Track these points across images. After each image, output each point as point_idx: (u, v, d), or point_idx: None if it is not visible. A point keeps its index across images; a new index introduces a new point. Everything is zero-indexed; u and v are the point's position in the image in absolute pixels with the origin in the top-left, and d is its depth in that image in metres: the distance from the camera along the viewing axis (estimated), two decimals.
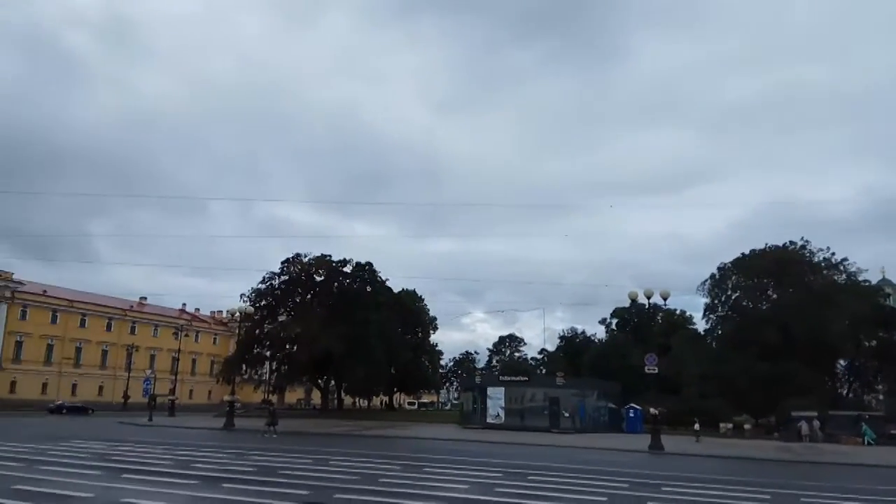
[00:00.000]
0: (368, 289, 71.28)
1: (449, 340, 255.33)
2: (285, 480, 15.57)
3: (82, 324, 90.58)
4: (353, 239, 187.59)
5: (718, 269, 64.34)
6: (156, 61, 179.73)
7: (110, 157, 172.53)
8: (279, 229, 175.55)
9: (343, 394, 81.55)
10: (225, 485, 14.61)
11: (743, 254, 63.07)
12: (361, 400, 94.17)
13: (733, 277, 63.18)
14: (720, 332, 64.14)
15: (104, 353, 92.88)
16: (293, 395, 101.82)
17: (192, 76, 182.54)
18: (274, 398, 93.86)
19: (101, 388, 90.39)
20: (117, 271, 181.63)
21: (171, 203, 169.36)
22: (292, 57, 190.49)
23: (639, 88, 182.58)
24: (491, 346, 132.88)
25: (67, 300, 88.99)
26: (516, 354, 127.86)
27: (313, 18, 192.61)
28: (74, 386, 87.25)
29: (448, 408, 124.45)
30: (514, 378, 56.17)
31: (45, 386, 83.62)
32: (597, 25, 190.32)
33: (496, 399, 51.46)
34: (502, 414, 50.67)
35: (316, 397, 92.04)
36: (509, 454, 27.05)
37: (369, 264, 72.35)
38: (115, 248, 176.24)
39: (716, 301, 64.28)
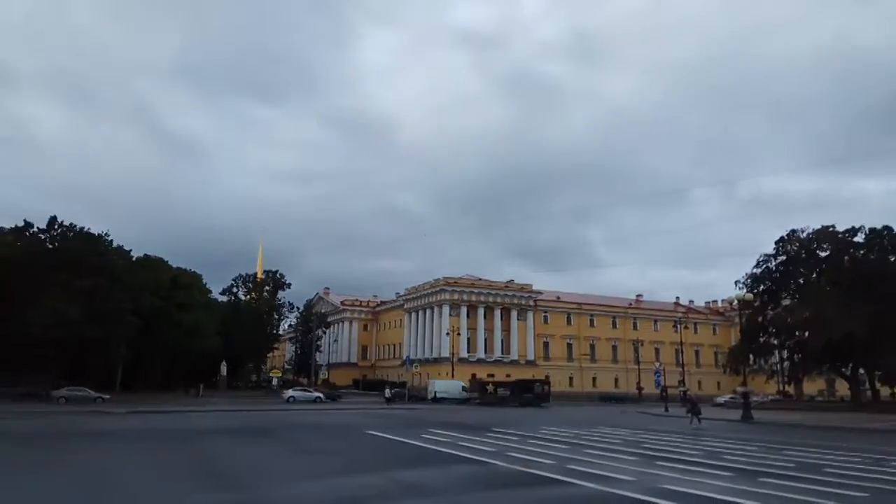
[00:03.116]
0: (893, 258, 59.02)
1: None
2: (832, 479, 13.84)
3: (591, 323, 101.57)
4: (862, 201, 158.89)
5: None
6: (618, 64, 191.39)
7: (593, 166, 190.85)
8: (768, 205, 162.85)
9: (877, 383, 69.00)
10: (762, 479, 13.87)
11: None
12: None
13: None
14: None
15: (613, 348, 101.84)
16: (813, 386, 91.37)
17: (654, 67, 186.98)
18: (791, 389, 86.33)
19: (616, 379, 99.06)
20: (613, 272, 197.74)
21: (654, 198, 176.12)
22: (756, 14, 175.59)
23: None
24: None
25: (577, 303, 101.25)
26: None
27: None
28: (594, 379, 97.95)
29: None
30: None
31: (570, 379, 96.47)
32: None
33: None
34: None
35: (841, 388, 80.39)
36: None
37: (888, 229, 59.92)
38: (609, 250, 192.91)
39: None
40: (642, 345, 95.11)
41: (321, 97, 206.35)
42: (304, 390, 63.75)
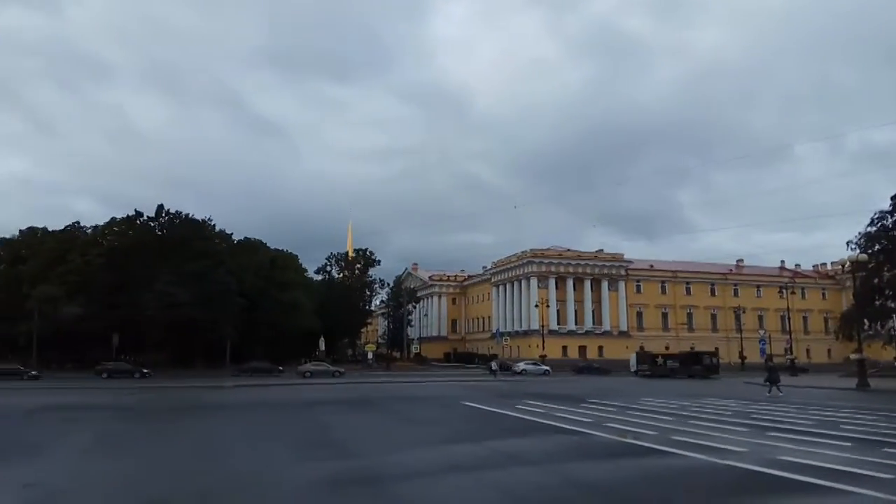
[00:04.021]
0: None
1: None
2: None
3: (688, 291, 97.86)
4: None
5: None
6: (703, 15, 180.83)
7: (683, 125, 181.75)
8: (880, 159, 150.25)
9: None
10: (887, 449, 12.96)
11: None
12: None
13: None
14: None
15: (713, 316, 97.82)
16: None
17: (743, 15, 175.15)
18: None
19: (715, 350, 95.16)
20: (709, 237, 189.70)
21: (751, 156, 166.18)
22: None
23: None
24: None
25: (671, 271, 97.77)
26: None
27: None
28: (692, 349, 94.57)
29: None
30: None
31: (667, 349, 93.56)
32: None
33: None
34: None
35: None
36: None
37: None
38: (704, 214, 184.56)
39: None
40: (744, 312, 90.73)
41: (398, 73, 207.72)
42: (535, 364, 67.50)
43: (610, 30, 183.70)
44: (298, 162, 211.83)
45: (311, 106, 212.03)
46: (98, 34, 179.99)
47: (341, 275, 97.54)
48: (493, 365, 61.14)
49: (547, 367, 66.33)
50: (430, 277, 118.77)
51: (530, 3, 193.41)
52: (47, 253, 64.21)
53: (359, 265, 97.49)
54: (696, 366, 61.98)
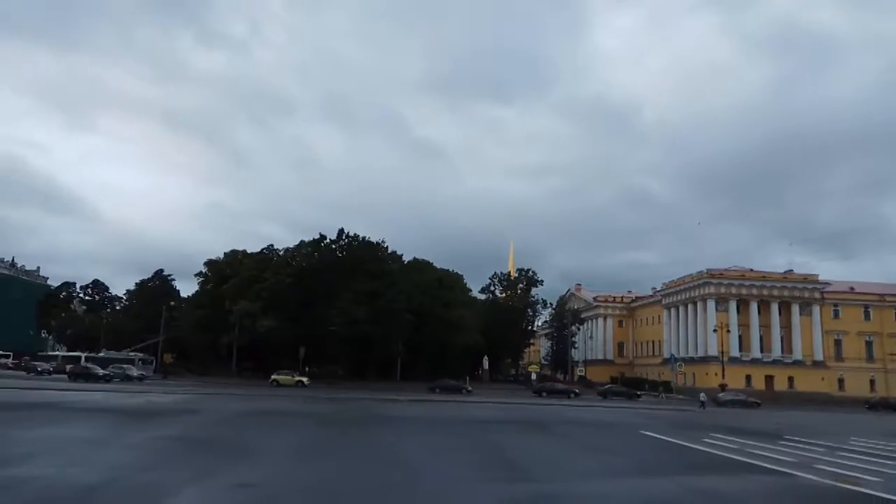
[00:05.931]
0: None
1: None
2: None
3: None
4: None
5: None
6: None
7: (887, 127, 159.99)
8: None
9: None
10: None
11: None
12: None
13: None
14: None
15: None
16: None
17: None
18: None
19: None
20: None
21: None
22: None
23: None
24: None
25: (877, 294, 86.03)
26: None
27: None
28: None
29: None
30: None
31: (872, 383, 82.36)
32: None
33: None
34: None
35: None
36: None
37: None
38: None
39: None
40: None
41: (557, 89, 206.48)
42: None
43: (794, 25, 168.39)
44: (461, 182, 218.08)
45: (472, 127, 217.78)
46: (281, 72, 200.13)
47: (504, 294, 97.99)
48: (702, 396, 52.23)
49: None
50: (594, 298, 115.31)
51: (703, 4, 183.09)
52: (246, 272, 71.64)
53: (521, 285, 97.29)
54: None
